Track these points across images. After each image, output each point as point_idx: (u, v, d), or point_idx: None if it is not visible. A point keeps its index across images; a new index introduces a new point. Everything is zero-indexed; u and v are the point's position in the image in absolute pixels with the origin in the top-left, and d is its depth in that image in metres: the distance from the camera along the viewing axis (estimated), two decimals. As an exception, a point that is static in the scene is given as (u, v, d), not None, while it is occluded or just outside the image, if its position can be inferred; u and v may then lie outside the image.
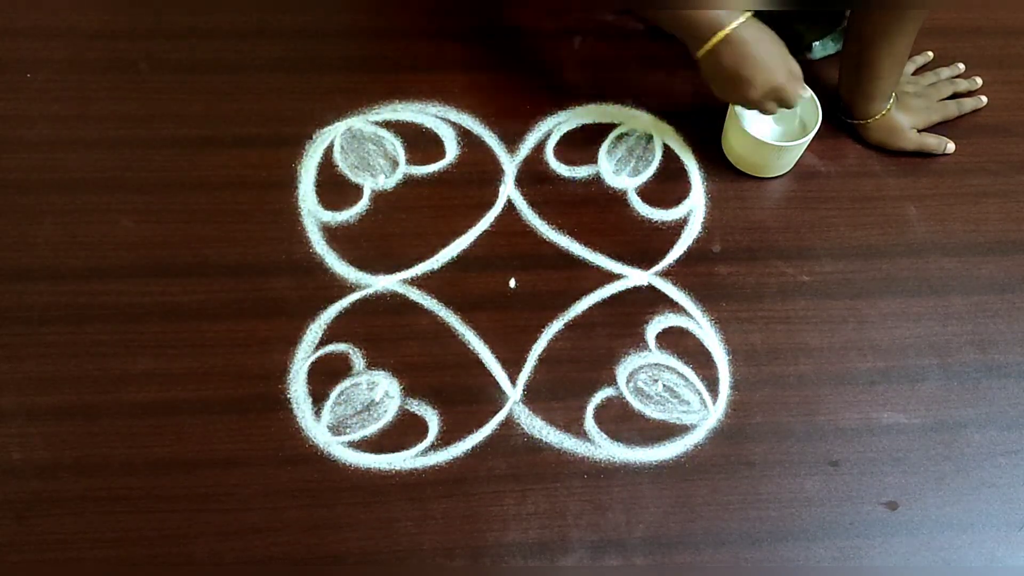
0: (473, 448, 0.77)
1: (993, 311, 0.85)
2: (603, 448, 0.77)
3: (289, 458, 0.75)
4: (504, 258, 0.85)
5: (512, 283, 0.83)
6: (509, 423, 0.78)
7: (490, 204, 0.88)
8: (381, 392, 0.79)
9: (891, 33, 0.82)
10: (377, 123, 0.92)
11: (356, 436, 0.77)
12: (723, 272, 0.86)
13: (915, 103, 0.92)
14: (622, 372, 0.80)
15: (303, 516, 0.73)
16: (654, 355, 0.81)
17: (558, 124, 0.93)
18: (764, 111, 0.82)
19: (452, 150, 0.90)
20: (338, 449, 0.76)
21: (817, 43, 0.96)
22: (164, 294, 0.82)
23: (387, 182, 0.89)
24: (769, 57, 0.78)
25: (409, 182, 0.89)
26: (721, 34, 0.76)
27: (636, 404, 0.79)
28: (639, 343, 0.82)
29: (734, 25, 0.76)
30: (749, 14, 0.78)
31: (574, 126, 0.93)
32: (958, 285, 0.86)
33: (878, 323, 0.84)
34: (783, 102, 0.81)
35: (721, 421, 0.79)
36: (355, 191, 0.88)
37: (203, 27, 0.97)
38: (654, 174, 0.91)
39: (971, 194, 0.91)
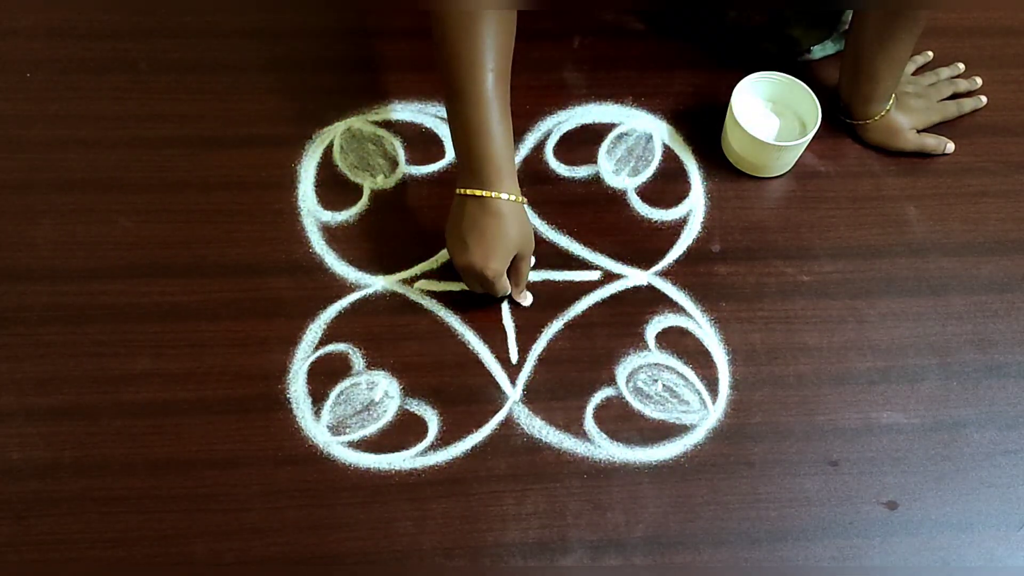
0: (473, 448, 0.77)
1: (993, 311, 0.85)
2: (603, 448, 0.77)
3: (289, 458, 0.75)
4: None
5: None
6: (509, 423, 0.78)
7: (490, 204, 0.88)
8: (381, 392, 0.79)
9: (892, 36, 0.82)
10: (377, 123, 0.92)
11: (356, 436, 0.77)
12: (723, 272, 0.86)
13: (915, 104, 0.92)
14: (622, 372, 0.80)
15: (302, 516, 0.73)
16: (654, 355, 0.81)
17: (558, 124, 0.93)
18: (472, 281, 0.78)
19: (452, 150, 0.90)
20: (338, 449, 0.76)
21: (816, 45, 0.96)
22: (163, 294, 0.82)
23: (387, 182, 0.89)
24: (506, 240, 0.75)
25: (409, 182, 0.89)
26: (489, 192, 0.74)
27: (636, 404, 0.79)
28: (639, 343, 0.82)
29: (507, 196, 0.74)
30: (523, 199, 0.76)
31: (574, 126, 0.93)
32: (958, 285, 0.86)
33: (878, 323, 0.84)
34: (485, 286, 0.77)
35: (721, 421, 0.79)
36: (355, 191, 0.88)
37: (203, 27, 0.97)
38: (654, 174, 0.91)
39: (971, 194, 0.91)
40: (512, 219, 0.75)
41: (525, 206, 0.77)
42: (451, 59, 0.74)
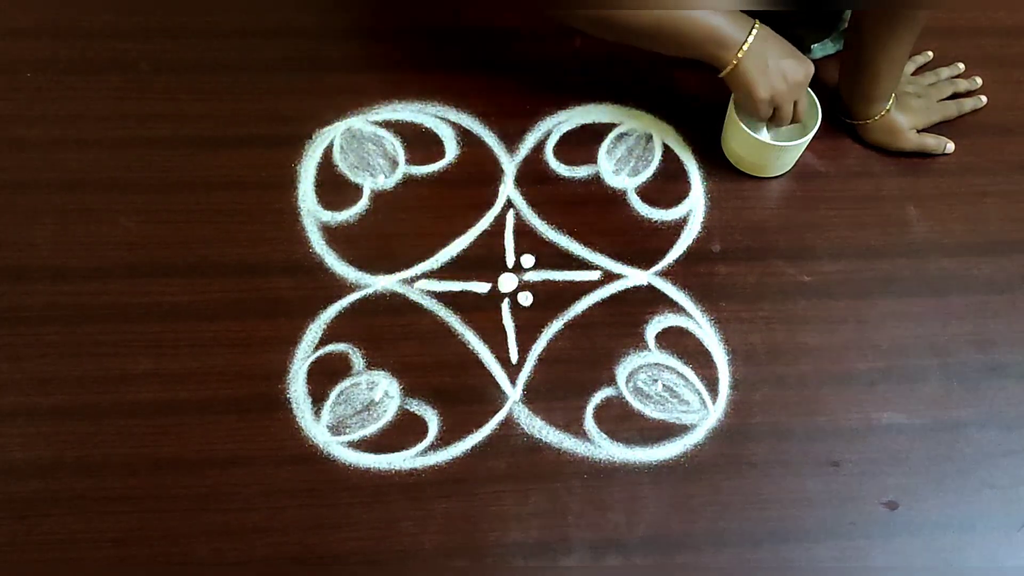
0: (473, 448, 0.77)
1: (993, 311, 0.85)
2: (603, 448, 0.77)
3: (289, 458, 0.75)
4: (504, 258, 0.85)
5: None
6: (509, 423, 0.78)
7: (490, 204, 0.88)
8: (381, 392, 0.79)
9: (892, 36, 0.82)
10: (377, 123, 0.92)
11: (356, 436, 0.77)
12: (723, 272, 0.86)
13: (915, 103, 0.92)
14: (622, 372, 0.80)
15: (304, 516, 0.73)
16: (654, 355, 0.81)
17: (558, 124, 0.93)
18: (795, 91, 0.82)
19: (452, 150, 0.90)
20: (338, 449, 0.76)
21: (816, 44, 0.96)
22: (164, 294, 0.82)
23: (387, 182, 0.89)
24: (789, 52, 0.81)
25: (409, 182, 0.89)
26: (742, 50, 0.78)
27: (636, 404, 0.79)
28: (639, 343, 0.82)
29: (752, 38, 0.78)
30: (756, 22, 0.79)
31: (574, 126, 0.93)
32: (958, 285, 0.86)
33: (878, 323, 0.84)
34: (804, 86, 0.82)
35: (721, 421, 0.79)
36: (355, 191, 0.88)
37: (203, 27, 0.97)
38: (654, 174, 0.91)
39: (971, 194, 0.91)
40: (771, 32, 0.80)
41: None
42: (627, 20, 0.78)
